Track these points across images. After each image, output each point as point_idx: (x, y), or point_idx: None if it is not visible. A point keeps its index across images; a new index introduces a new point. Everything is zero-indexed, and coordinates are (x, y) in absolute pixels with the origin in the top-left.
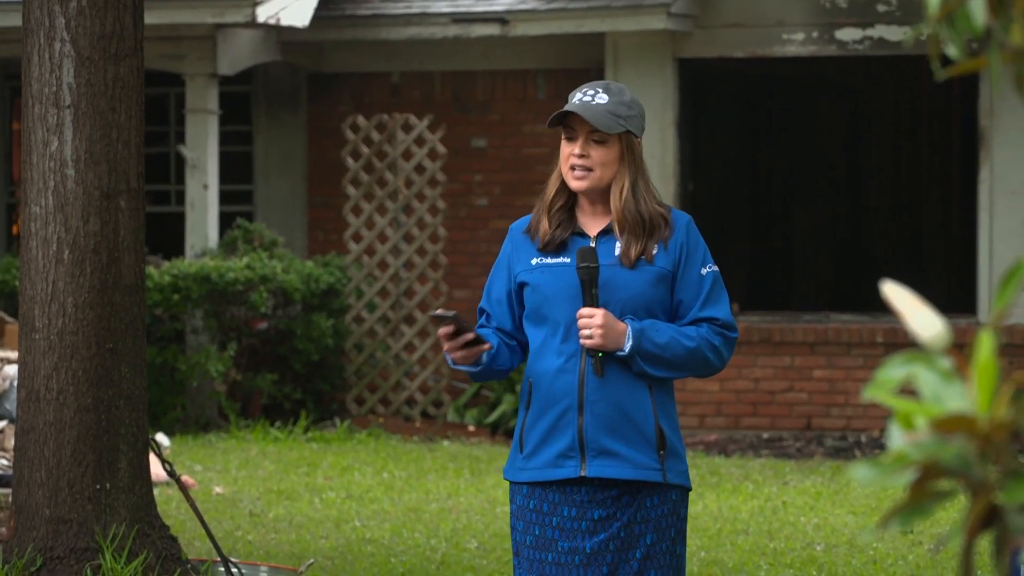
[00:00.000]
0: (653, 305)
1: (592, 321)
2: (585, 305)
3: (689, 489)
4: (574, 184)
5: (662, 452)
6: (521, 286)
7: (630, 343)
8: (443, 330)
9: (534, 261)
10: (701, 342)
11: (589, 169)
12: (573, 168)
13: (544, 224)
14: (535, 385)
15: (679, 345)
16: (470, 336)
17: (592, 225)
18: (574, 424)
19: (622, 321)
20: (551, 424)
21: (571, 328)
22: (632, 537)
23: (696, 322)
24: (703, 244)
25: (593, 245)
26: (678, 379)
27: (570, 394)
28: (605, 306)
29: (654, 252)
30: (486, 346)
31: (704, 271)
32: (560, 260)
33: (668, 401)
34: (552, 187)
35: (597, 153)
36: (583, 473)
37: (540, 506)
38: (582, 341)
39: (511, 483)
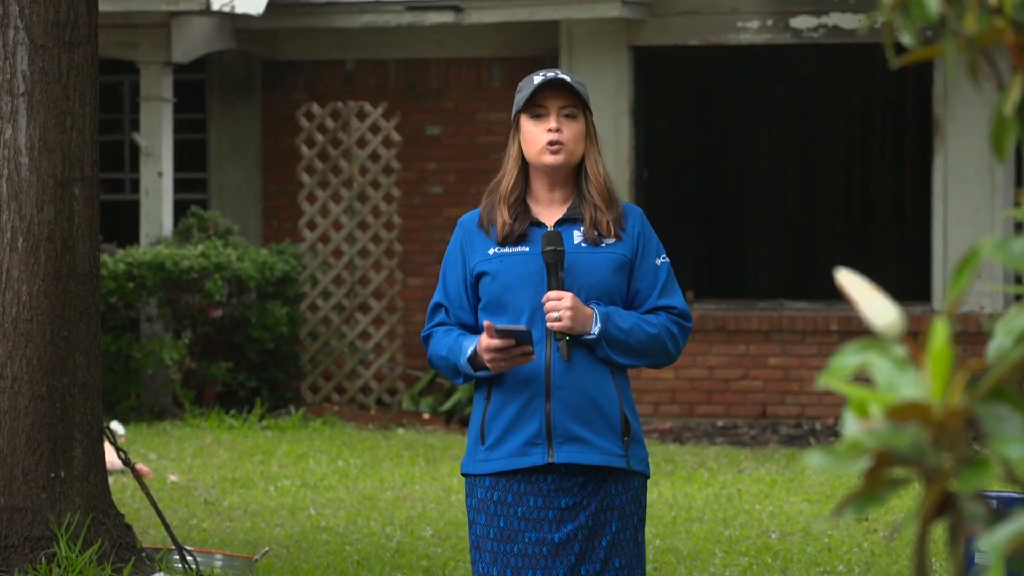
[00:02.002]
0: (614, 292)
1: (561, 303)
2: (551, 288)
3: (648, 476)
4: (550, 160)
5: (626, 439)
6: (479, 277)
7: (598, 326)
8: (503, 342)
9: (491, 251)
10: (662, 329)
11: (563, 144)
12: (550, 144)
13: (503, 215)
14: (498, 375)
15: (642, 331)
16: (529, 349)
17: (548, 215)
18: (541, 411)
19: (588, 306)
20: (516, 412)
21: (535, 315)
22: (599, 525)
23: (654, 311)
24: (655, 235)
25: (553, 228)
26: (635, 367)
27: (536, 381)
28: (569, 291)
29: (612, 240)
30: (532, 355)
31: (659, 261)
32: (520, 249)
33: (628, 388)
34: (508, 178)
35: (569, 129)
36: (551, 460)
37: (504, 497)
38: (550, 324)
39: (470, 476)
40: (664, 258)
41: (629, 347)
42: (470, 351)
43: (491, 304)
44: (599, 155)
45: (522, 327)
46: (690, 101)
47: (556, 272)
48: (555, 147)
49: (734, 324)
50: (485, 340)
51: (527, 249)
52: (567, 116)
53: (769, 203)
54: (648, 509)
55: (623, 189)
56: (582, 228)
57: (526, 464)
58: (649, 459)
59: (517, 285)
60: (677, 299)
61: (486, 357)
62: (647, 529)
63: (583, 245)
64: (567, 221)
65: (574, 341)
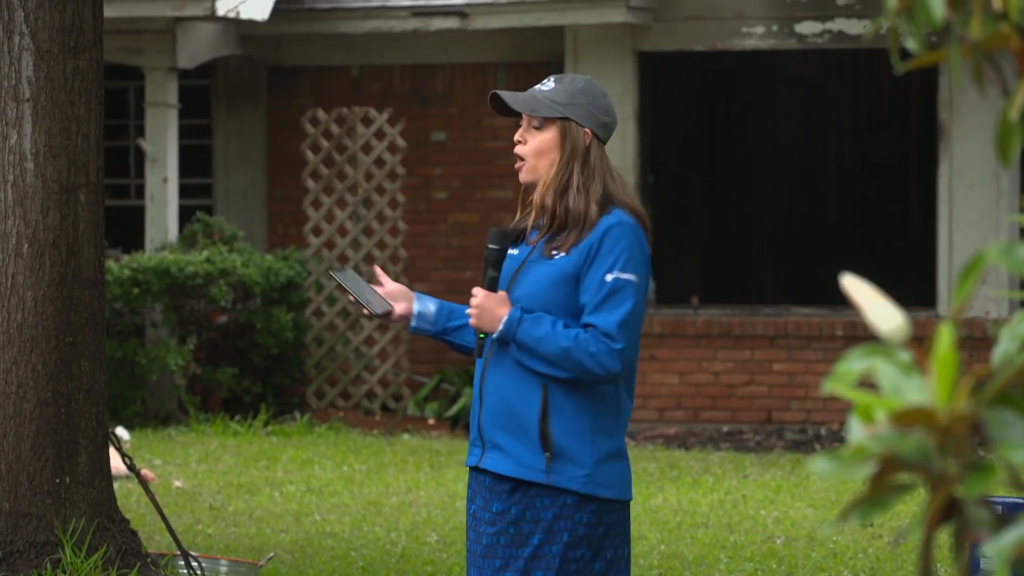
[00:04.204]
0: (549, 304)
1: (472, 300)
2: (481, 286)
3: (592, 496)
4: (520, 175)
5: (547, 454)
6: None
7: (501, 328)
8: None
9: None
10: (577, 345)
11: (523, 158)
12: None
13: (518, 217)
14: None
15: (553, 343)
16: (351, 300)
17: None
18: (476, 414)
19: (511, 308)
20: (471, 412)
21: None
22: (521, 535)
23: (586, 326)
24: (622, 250)
25: (508, 228)
26: (559, 378)
27: (476, 384)
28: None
29: (560, 254)
30: (365, 312)
31: (608, 277)
32: (513, 252)
33: (568, 402)
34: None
35: (533, 141)
36: (480, 464)
37: (468, 492)
38: (469, 319)
39: None
40: (617, 274)
41: (538, 355)
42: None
43: None
44: (580, 173)
45: (346, 286)
46: (695, 106)
47: (487, 270)
48: (518, 162)
49: (739, 329)
50: None
51: (516, 252)
52: (535, 127)
53: (774, 208)
54: (653, 514)
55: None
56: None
57: (470, 463)
58: (651, 465)
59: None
60: (607, 318)
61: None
62: (651, 535)
63: (538, 255)
64: (534, 228)
65: (500, 343)
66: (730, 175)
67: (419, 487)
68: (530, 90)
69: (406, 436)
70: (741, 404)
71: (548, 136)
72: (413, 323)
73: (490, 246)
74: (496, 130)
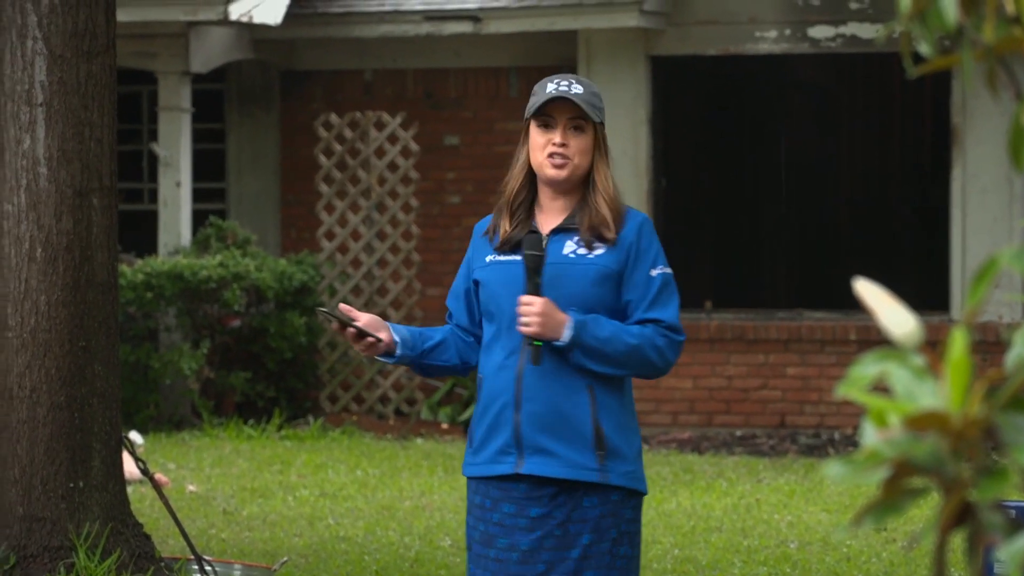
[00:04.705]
0: (595, 304)
1: (531, 308)
2: (527, 293)
3: (638, 491)
4: (552, 173)
5: (600, 452)
6: (477, 284)
7: (569, 333)
8: (335, 325)
9: (488, 259)
10: (644, 341)
11: (567, 158)
12: (552, 156)
13: (505, 223)
14: (482, 382)
15: (620, 342)
16: (352, 332)
17: (546, 223)
18: (511, 421)
19: (565, 312)
20: (492, 420)
21: (513, 323)
22: (568, 536)
23: (642, 323)
24: (656, 245)
25: (544, 234)
26: (619, 376)
27: (508, 390)
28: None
29: (602, 251)
30: (373, 340)
31: (654, 272)
32: (511, 257)
33: (613, 400)
34: (515, 183)
35: (576, 142)
36: (519, 470)
37: (484, 502)
38: (520, 328)
39: (466, 478)
40: (661, 269)
41: (605, 356)
42: None
43: (485, 312)
44: (608, 165)
45: (325, 309)
46: (707, 110)
47: (532, 277)
48: (558, 160)
49: (752, 334)
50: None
51: (518, 257)
52: (575, 128)
53: (787, 212)
54: (667, 519)
55: (641, 198)
56: (576, 238)
57: (498, 472)
58: (665, 469)
59: (502, 293)
60: (667, 312)
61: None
62: (665, 539)
63: (572, 255)
64: (563, 230)
65: (549, 349)
66: (742, 179)
67: (433, 491)
68: (568, 92)
69: (419, 440)
70: (755, 408)
71: (589, 137)
72: (398, 351)
73: (532, 252)
74: (509, 134)
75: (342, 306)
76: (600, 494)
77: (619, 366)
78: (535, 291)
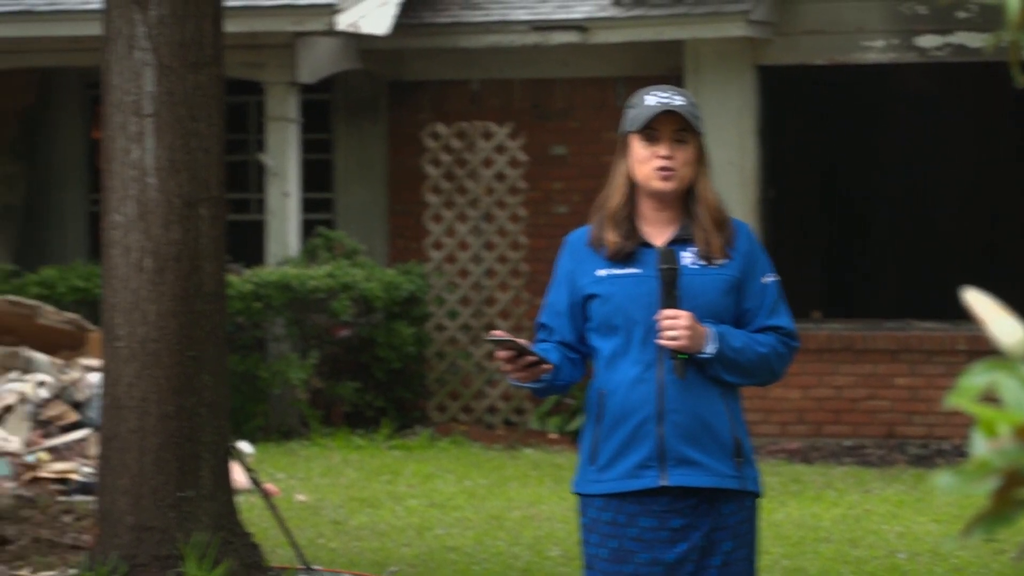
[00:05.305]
0: (723, 313)
1: (678, 322)
2: (665, 307)
3: (759, 494)
4: (660, 185)
5: (739, 459)
6: (587, 298)
7: (715, 345)
8: (503, 353)
9: (601, 272)
10: (770, 350)
11: (674, 170)
12: (660, 169)
13: (611, 235)
14: (607, 397)
15: (751, 351)
16: (532, 358)
17: (656, 235)
18: (653, 434)
19: (704, 325)
20: (628, 435)
21: (648, 337)
22: (711, 544)
23: (763, 330)
24: (765, 254)
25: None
26: (741, 386)
27: (648, 404)
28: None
29: (722, 261)
30: (548, 366)
31: (766, 280)
32: (631, 270)
33: (739, 407)
34: (616, 195)
35: (681, 154)
36: (664, 483)
37: (616, 518)
38: (665, 342)
39: (581, 496)
40: (772, 276)
41: (739, 366)
42: None
43: (601, 326)
44: (709, 176)
45: (505, 337)
46: (815, 120)
47: (670, 291)
48: (666, 173)
49: (861, 344)
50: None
51: (639, 270)
52: (678, 140)
53: (895, 222)
54: (775, 529)
55: (749, 208)
56: (692, 249)
57: (638, 487)
58: (774, 479)
59: (629, 306)
60: (785, 319)
61: (505, 371)
62: (774, 549)
63: (694, 266)
64: (677, 241)
65: (688, 360)
66: (850, 189)
67: (541, 501)
68: (672, 104)
69: (528, 450)
70: (863, 419)
71: (693, 148)
72: (548, 375)
73: (669, 266)
74: (615, 145)
75: (495, 332)
76: (737, 501)
77: (748, 375)
78: (674, 304)
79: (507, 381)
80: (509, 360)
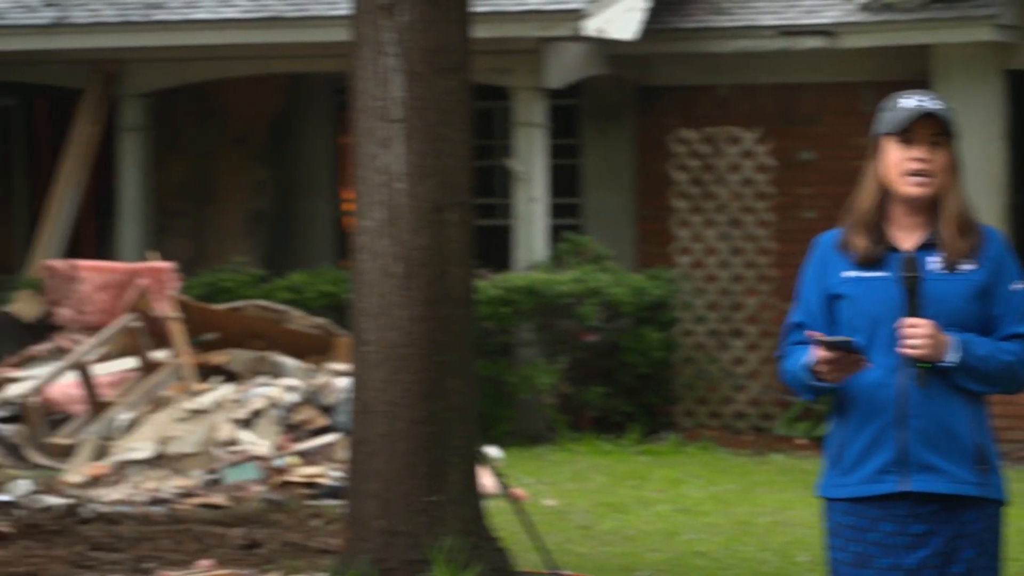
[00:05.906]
0: (967, 319)
1: (919, 331)
2: (908, 315)
3: (1004, 502)
4: (913, 191)
5: (982, 466)
6: (834, 298)
7: (958, 354)
8: (827, 354)
9: (846, 274)
10: (1016, 358)
11: (929, 175)
12: (915, 174)
13: (860, 239)
14: (853, 399)
15: (996, 360)
16: (856, 356)
17: (905, 239)
18: (893, 438)
19: (943, 332)
20: (870, 439)
21: (891, 341)
22: (953, 552)
23: (1009, 338)
24: (1014, 260)
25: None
26: (983, 394)
27: (889, 408)
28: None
29: (972, 267)
30: (868, 364)
31: (1015, 287)
32: (878, 274)
33: (983, 414)
34: (867, 199)
35: (938, 158)
36: (905, 488)
37: (858, 522)
38: (907, 351)
39: (826, 500)
40: (1021, 284)
41: (983, 374)
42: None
43: (844, 328)
44: (961, 182)
45: (843, 337)
46: None
47: (913, 298)
48: (920, 178)
49: None
50: (816, 353)
51: (886, 274)
52: (933, 144)
53: None
54: (1022, 535)
55: (997, 214)
56: (939, 254)
57: (879, 491)
58: (1023, 486)
59: (874, 310)
60: None
61: (822, 371)
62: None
63: (939, 272)
64: (925, 247)
65: (929, 369)
66: None
67: (790, 507)
68: (930, 108)
69: (776, 456)
70: None
71: (948, 153)
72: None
73: (912, 274)
74: (863, 149)
75: (810, 332)
76: (980, 508)
77: (993, 383)
78: (916, 312)
79: (809, 383)
80: (832, 361)
